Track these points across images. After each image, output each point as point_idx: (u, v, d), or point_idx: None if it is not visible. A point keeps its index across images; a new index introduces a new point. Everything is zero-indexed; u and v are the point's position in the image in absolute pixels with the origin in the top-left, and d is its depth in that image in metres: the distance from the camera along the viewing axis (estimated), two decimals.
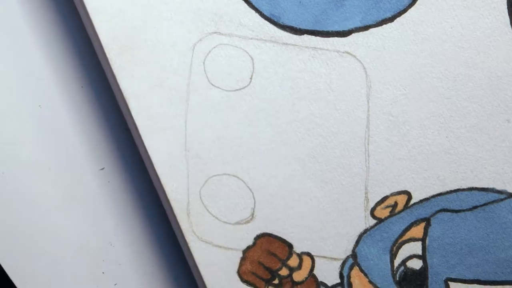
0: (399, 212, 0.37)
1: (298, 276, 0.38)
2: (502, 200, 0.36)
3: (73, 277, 0.42)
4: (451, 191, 0.36)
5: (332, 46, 0.34)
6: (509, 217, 0.36)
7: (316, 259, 0.38)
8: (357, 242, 0.37)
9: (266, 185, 0.36)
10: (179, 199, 0.37)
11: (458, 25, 0.33)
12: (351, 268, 0.38)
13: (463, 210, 0.36)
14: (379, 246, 0.37)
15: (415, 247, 0.37)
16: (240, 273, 0.38)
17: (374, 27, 0.33)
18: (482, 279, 0.37)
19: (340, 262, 0.38)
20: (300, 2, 0.33)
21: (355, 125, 0.35)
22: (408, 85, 0.34)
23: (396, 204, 0.36)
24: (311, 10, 0.33)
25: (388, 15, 0.33)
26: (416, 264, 0.37)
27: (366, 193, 0.36)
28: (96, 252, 0.42)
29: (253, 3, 0.33)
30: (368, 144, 0.35)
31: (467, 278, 0.37)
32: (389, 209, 0.37)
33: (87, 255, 0.42)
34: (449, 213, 0.36)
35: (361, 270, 0.38)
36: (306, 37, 0.34)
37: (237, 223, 0.37)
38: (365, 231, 0.37)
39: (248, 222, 0.37)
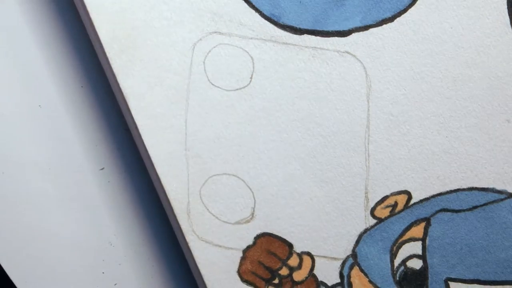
0: (399, 212, 0.37)
1: (298, 275, 0.38)
2: (502, 200, 0.36)
3: (73, 277, 0.42)
4: (451, 191, 0.36)
5: (332, 46, 0.34)
6: (509, 217, 0.36)
7: (316, 258, 0.38)
8: (357, 241, 0.37)
9: (266, 184, 0.36)
10: (179, 198, 0.37)
11: (458, 25, 0.33)
12: (351, 267, 0.38)
13: (463, 210, 0.36)
14: (379, 245, 0.37)
15: (415, 247, 0.37)
16: (240, 273, 0.38)
17: (374, 27, 0.33)
18: (482, 279, 0.37)
19: (340, 262, 0.38)
20: (300, 2, 0.33)
21: (355, 125, 0.35)
22: (408, 85, 0.34)
23: (396, 204, 0.36)
24: (311, 10, 0.33)
25: (388, 15, 0.33)
26: (416, 264, 0.37)
27: (366, 192, 0.36)
28: (96, 252, 0.42)
29: (253, 3, 0.33)
30: (368, 144, 0.35)
31: (467, 278, 0.37)
32: (389, 209, 0.37)
33: (87, 255, 0.42)
34: (449, 213, 0.36)
35: (361, 270, 0.38)
36: (306, 37, 0.34)
37: (237, 222, 0.37)
38: (365, 230, 0.37)
39: (248, 221, 0.37)
